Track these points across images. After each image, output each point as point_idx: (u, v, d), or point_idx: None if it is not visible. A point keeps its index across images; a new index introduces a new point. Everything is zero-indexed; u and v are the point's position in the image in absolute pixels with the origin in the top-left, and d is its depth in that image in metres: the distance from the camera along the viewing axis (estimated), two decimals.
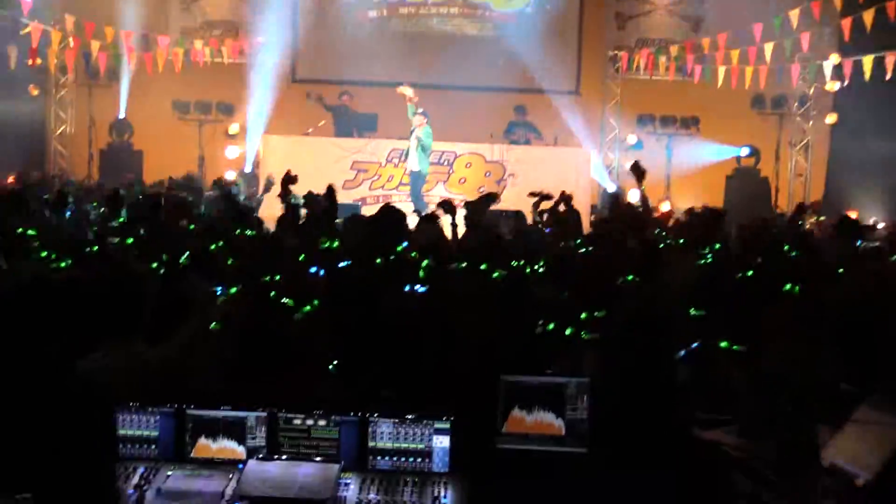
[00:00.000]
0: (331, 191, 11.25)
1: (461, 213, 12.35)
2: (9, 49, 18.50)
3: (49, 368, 4.44)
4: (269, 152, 18.54)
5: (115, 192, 11.87)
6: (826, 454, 4.99)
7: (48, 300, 4.89)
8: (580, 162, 18.29)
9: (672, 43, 20.55)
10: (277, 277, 7.74)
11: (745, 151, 19.18)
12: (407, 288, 7.35)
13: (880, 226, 14.97)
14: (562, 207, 12.76)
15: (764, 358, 6.22)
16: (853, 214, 16.06)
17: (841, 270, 9.11)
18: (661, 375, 6.24)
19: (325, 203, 10.94)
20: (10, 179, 16.60)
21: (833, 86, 19.11)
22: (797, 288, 7.73)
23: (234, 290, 6.81)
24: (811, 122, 20.41)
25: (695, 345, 6.57)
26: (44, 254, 7.84)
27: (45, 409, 4.25)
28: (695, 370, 6.46)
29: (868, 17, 16.58)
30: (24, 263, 7.93)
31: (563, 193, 12.96)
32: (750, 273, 8.53)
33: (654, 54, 20.33)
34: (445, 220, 11.52)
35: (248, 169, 19.30)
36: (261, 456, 5.04)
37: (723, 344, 6.58)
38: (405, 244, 8.69)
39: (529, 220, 12.96)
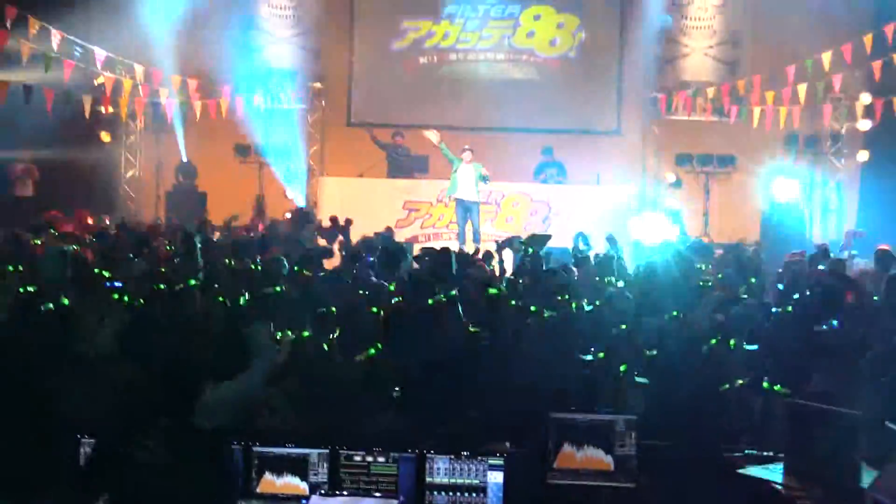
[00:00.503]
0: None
1: (507, 252, 12.48)
2: (84, 98, 18.79)
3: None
4: (325, 193, 18.73)
5: (187, 234, 12.01)
6: (870, 492, 5.01)
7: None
8: (622, 200, 18.32)
9: (709, 85, 20.52)
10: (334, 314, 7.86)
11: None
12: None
13: None
14: None
15: (807, 396, 6.23)
16: (886, 247, 16.07)
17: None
18: (707, 411, 6.28)
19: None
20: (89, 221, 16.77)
21: (864, 125, 19.08)
22: (835, 322, 7.71)
23: (306, 333, 6.86)
24: (843, 160, 20.27)
25: (739, 382, 6.60)
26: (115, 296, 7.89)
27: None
28: (741, 407, 6.47)
29: None
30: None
31: None
32: (790, 309, 8.52)
33: (692, 96, 20.34)
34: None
35: (304, 208, 19.46)
36: (323, 492, 5.15)
37: (765, 384, 6.59)
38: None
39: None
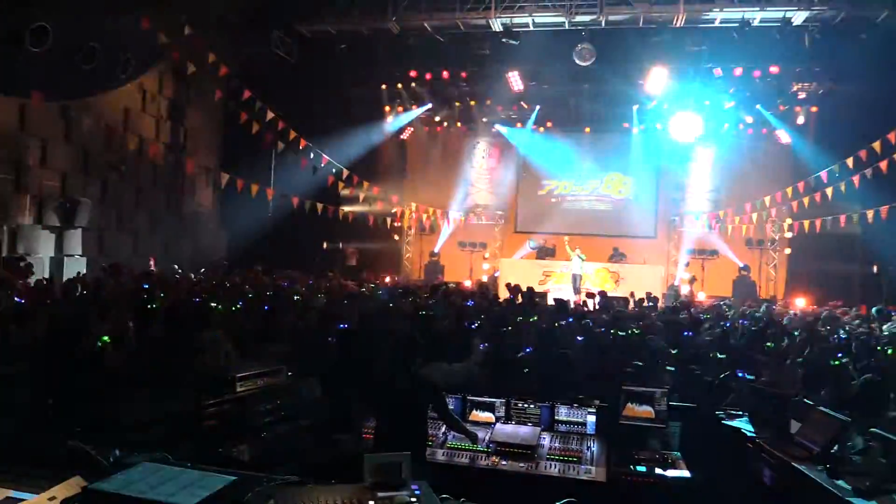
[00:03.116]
0: (529, 291, 11.51)
1: (598, 298, 12.36)
2: (387, 218, 19.59)
3: (408, 375, 4.67)
4: (504, 267, 18.87)
5: (435, 286, 12.27)
6: (796, 435, 4.87)
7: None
8: (657, 273, 17.93)
9: (703, 212, 19.99)
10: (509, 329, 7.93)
11: (745, 269, 18.33)
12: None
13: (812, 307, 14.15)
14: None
15: (762, 382, 6.05)
16: (802, 302, 15.32)
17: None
18: (706, 388, 6.13)
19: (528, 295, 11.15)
20: (388, 279, 17.34)
21: (788, 234, 18.30)
22: (772, 345, 7.44)
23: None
24: (777, 253, 19.36)
25: (723, 375, 6.41)
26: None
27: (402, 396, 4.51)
28: (725, 386, 6.28)
29: (806, 199, 15.98)
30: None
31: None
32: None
33: (695, 219, 19.84)
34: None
35: (496, 275, 19.65)
36: (502, 421, 5.24)
37: (739, 374, 6.39)
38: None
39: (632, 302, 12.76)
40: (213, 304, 8.15)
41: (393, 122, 20.36)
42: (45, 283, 10.61)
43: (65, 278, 11.93)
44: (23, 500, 2.16)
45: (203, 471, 2.16)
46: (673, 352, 7.18)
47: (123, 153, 15.36)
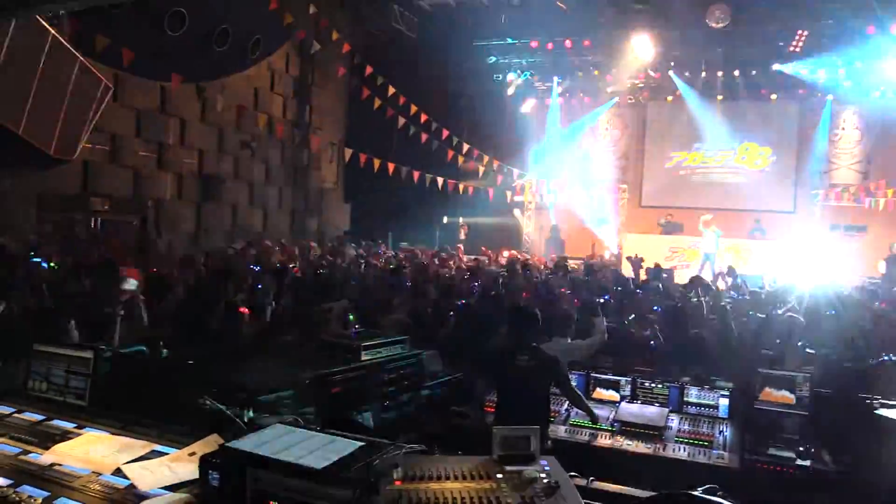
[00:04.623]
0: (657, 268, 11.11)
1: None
2: (507, 192, 19.51)
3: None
4: (627, 242, 18.33)
5: (559, 263, 12.10)
6: None
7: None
8: (795, 250, 16.81)
9: (850, 185, 18.52)
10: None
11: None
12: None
13: None
14: None
15: None
16: None
17: None
18: (855, 374, 5.70)
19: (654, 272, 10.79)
20: (507, 255, 17.28)
21: None
22: None
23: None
24: None
25: (876, 360, 5.93)
26: None
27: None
28: (877, 371, 5.81)
29: None
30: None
31: None
32: None
33: (841, 192, 18.41)
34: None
35: (615, 251, 19.09)
36: (627, 400, 5.12)
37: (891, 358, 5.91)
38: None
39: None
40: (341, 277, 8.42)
41: (515, 94, 20.24)
42: (187, 256, 11.34)
43: (203, 251, 12.70)
44: (166, 453, 2.33)
45: (332, 435, 2.21)
46: (816, 335, 6.72)
47: (254, 131, 16.12)
